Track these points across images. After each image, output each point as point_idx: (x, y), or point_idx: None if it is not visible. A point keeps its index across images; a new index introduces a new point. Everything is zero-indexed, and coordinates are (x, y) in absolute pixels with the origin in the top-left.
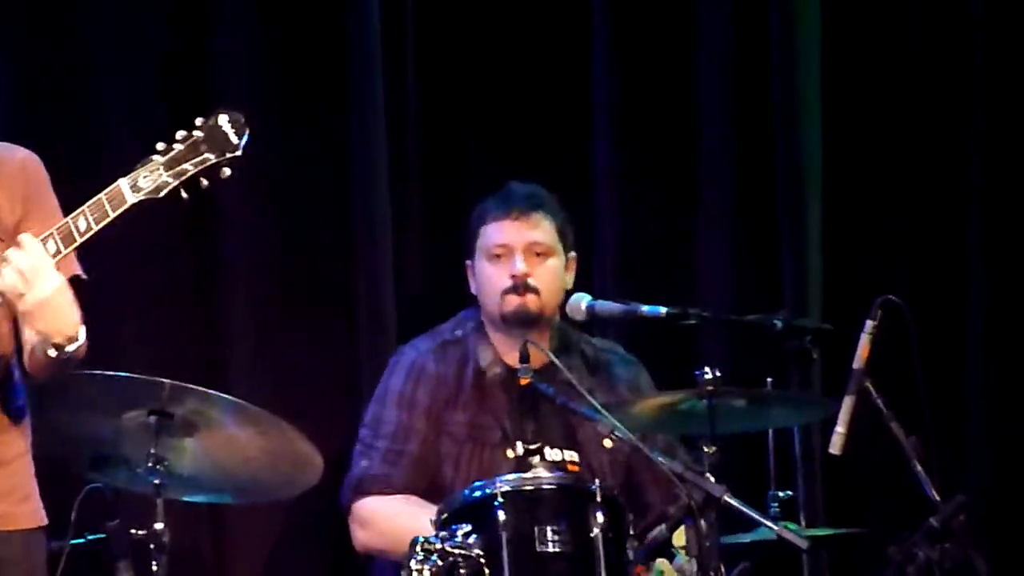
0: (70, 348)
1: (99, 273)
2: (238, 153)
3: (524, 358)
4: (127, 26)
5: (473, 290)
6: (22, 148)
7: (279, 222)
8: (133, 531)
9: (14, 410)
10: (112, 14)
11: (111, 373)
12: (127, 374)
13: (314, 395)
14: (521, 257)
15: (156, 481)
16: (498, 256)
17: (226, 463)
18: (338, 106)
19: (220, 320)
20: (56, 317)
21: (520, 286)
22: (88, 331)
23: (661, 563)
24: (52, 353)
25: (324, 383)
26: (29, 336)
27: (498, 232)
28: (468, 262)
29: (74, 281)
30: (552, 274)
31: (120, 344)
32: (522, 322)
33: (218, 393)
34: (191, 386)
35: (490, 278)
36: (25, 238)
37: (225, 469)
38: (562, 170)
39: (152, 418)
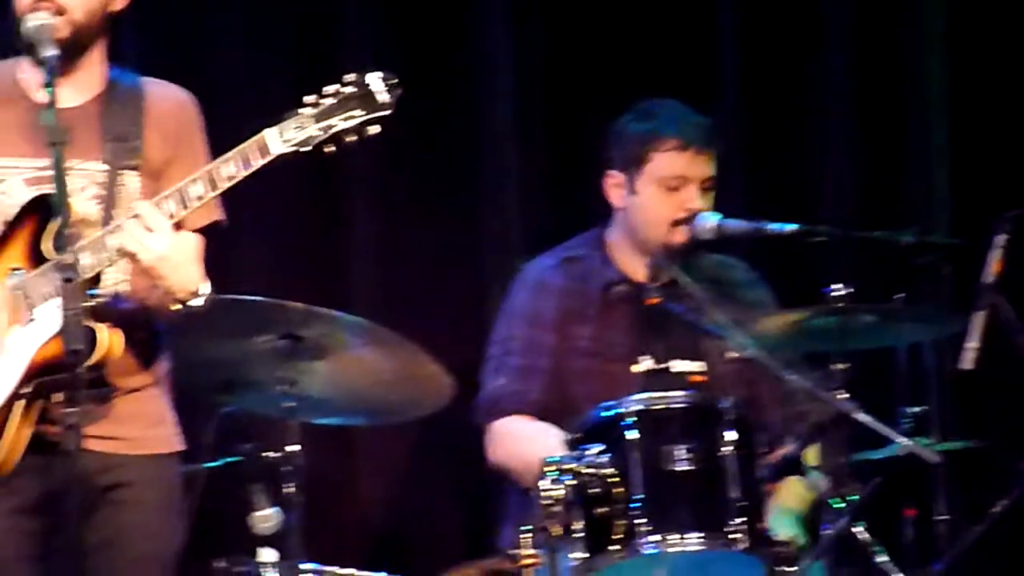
0: (193, 303)
1: (228, 199)
2: (387, 111)
3: (654, 277)
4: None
5: (617, 203)
6: (179, 88)
7: (403, 148)
8: (267, 454)
9: (143, 342)
10: None
11: (242, 297)
12: (258, 298)
13: (441, 315)
14: (696, 191)
15: (288, 404)
16: (673, 187)
17: (356, 385)
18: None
19: (347, 243)
20: (175, 275)
21: (691, 220)
22: (220, 257)
23: (792, 481)
24: (175, 307)
25: (450, 303)
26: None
27: (676, 163)
28: (614, 173)
29: (213, 227)
30: (711, 205)
31: (249, 269)
32: (684, 253)
33: (347, 315)
34: (320, 309)
35: (661, 207)
36: (139, 205)
37: (355, 391)
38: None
39: (283, 341)
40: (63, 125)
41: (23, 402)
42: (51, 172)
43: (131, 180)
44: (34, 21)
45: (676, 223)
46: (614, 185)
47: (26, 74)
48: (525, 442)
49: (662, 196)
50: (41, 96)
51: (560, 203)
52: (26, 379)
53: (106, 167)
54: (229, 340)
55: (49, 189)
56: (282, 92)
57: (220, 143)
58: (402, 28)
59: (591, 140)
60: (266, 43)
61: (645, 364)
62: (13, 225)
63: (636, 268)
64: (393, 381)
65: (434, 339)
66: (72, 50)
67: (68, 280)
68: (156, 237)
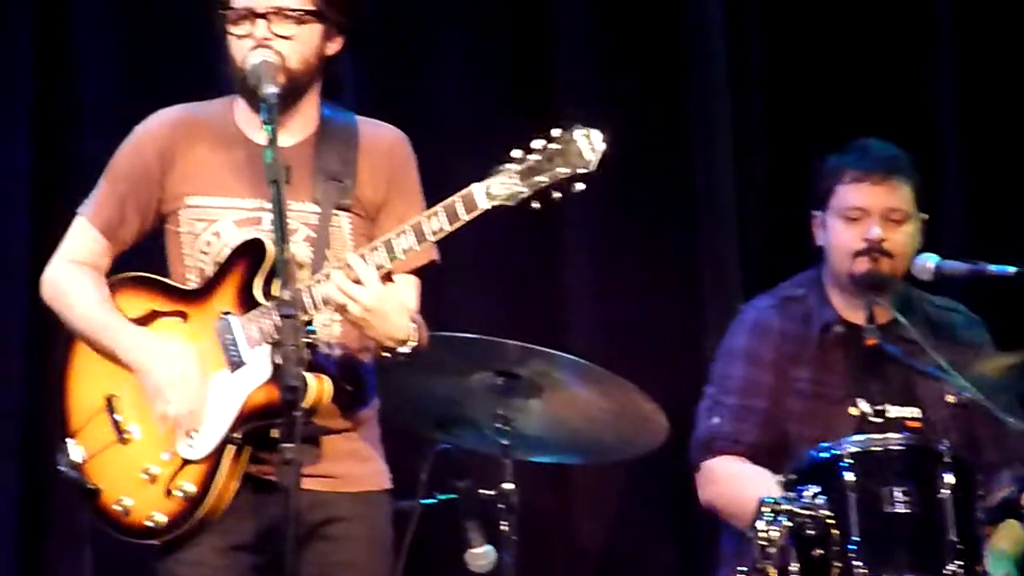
0: (402, 350)
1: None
2: (591, 168)
3: (871, 318)
4: (472, 21)
5: (819, 242)
6: (391, 127)
7: (621, 184)
8: (482, 491)
9: (353, 384)
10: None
11: (459, 335)
12: (474, 335)
13: (657, 354)
14: (878, 222)
15: (503, 441)
16: (853, 219)
17: (571, 423)
18: (680, 67)
19: (562, 280)
20: (383, 326)
21: (874, 250)
22: (436, 295)
23: (1010, 524)
24: (385, 355)
25: (666, 342)
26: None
27: (855, 194)
28: (816, 213)
29: (428, 267)
30: (906, 238)
31: (465, 306)
32: (870, 285)
33: (562, 354)
34: (536, 347)
35: (842, 238)
36: (348, 256)
37: (570, 429)
38: (904, 127)
39: (499, 379)
40: (282, 163)
41: (233, 447)
42: (261, 214)
43: (343, 221)
44: (255, 58)
45: (858, 254)
46: (816, 224)
47: (242, 115)
48: (739, 484)
49: (844, 228)
50: (258, 136)
51: (779, 240)
52: (237, 424)
53: (318, 208)
54: (446, 377)
55: (259, 231)
56: (497, 124)
57: (436, 174)
58: (618, 67)
59: (809, 179)
60: (482, 70)
61: (862, 407)
62: (225, 268)
63: (854, 309)
64: (608, 420)
65: (650, 377)
66: (287, 94)
67: (287, 316)
68: (364, 291)
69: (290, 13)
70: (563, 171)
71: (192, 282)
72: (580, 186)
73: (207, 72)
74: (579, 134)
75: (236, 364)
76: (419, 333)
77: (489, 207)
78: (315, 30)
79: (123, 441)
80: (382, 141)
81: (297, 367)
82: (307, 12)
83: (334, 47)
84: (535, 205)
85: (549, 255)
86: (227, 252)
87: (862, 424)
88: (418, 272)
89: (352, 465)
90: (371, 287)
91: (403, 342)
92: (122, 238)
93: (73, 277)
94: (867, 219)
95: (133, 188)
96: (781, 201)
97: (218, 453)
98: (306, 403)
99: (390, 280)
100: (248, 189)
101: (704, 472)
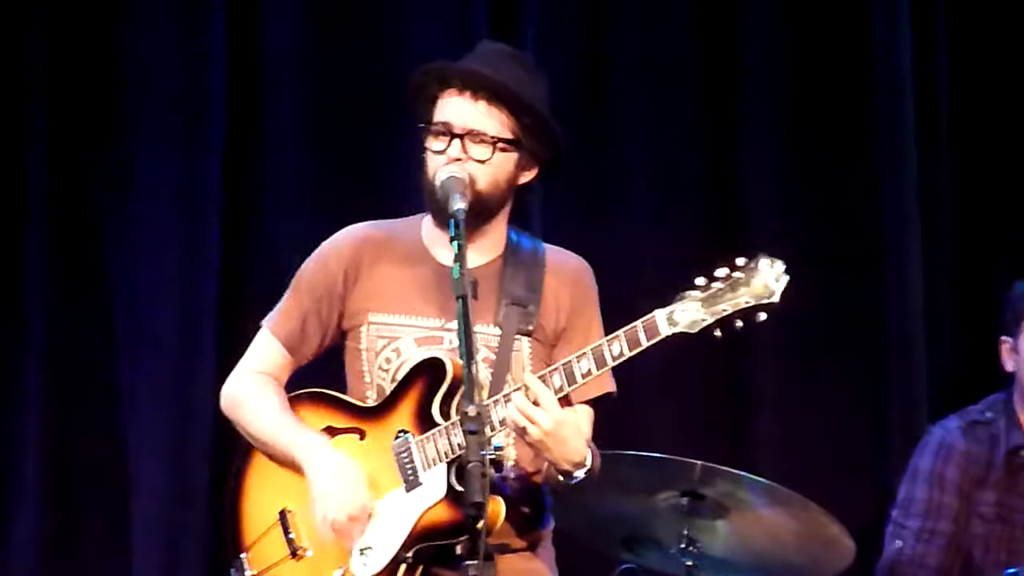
0: (578, 473)
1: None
2: (775, 300)
3: None
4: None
5: (1009, 368)
6: (577, 256)
7: (806, 295)
8: None
9: (529, 505)
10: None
11: (644, 454)
12: (659, 455)
13: (841, 474)
14: None
15: (689, 562)
16: None
17: (757, 545)
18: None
19: (748, 401)
20: (560, 449)
21: None
22: (618, 412)
23: None
24: (560, 478)
25: (852, 462)
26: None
27: None
28: (1005, 339)
29: (603, 398)
30: None
31: (650, 424)
32: None
33: (749, 475)
34: (722, 467)
35: None
36: (528, 378)
37: (756, 551)
38: None
39: (684, 499)
40: (469, 279)
41: (404, 566)
42: (443, 333)
43: (524, 346)
44: (445, 174)
45: None
46: (1006, 349)
47: (429, 234)
48: None
49: None
50: (443, 256)
51: (964, 362)
52: (409, 543)
53: (499, 331)
54: (632, 496)
55: (438, 350)
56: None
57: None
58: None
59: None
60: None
61: None
62: (403, 386)
63: None
64: (795, 542)
65: (835, 499)
66: (475, 214)
67: (472, 433)
68: (543, 413)
69: (486, 138)
70: (746, 301)
71: (370, 399)
72: (762, 316)
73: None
74: (763, 264)
75: (411, 483)
76: (593, 459)
77: (670, 334)
78: (510, 157)
79: (296, 557)
80: (568, 269)
81: (479, 482)
82: (503, 140)
83: (528, 176)
84: (716, 334)
85: (734, 377)
86: (406, 370)
87: None
88: (594, 403)
89: None
90: (551, 410)
91: (579, 465)
92: (304, 352)
93: (255, 386)
94: None
95: (316, 304)
96: (969, 327)
97: (391, 572)
98: (482, 528)
99: (568, 404)
100: (431, 308)
101: None
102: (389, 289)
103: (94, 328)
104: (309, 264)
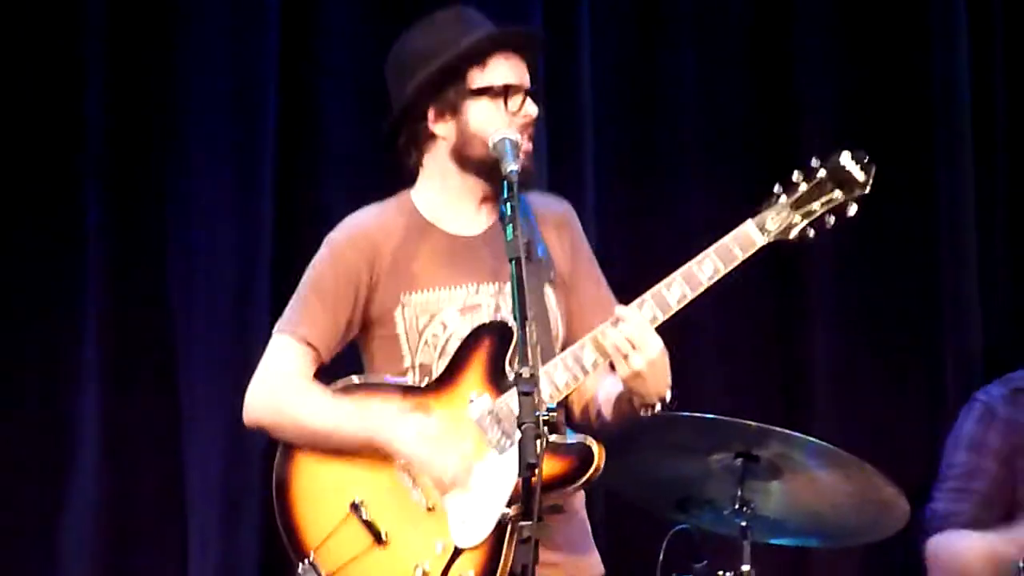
0: (658, 408)
1: (686, 315)
2: (866, 190)
3: None
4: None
5: None
6: (557, 198)
7: (865, 266)
8: (720, 573)
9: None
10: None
11: (699, 415)
12: (714, 416)
13: (898, 437)
14: None
15: (742, 523)
16: None
17: (811, 506)
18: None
19: (803, 360)
20: (656, 380)
21: None
22: (675, 374)
23: None
24: (642, 412)
25: (907, 425)
26: (621, 392)
27: None
28: None
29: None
30: None
31: (705, 385)
32: None
33: (803, 436)
34: (776, 428)
35: None
36: (622, 310)
37: (810, 512)
38: None
39: (739, 460)
40: (522, 240)
41: (509, 525)
42: (478, 298)
43: (549, 295)
44: (500, 135)
45: None
46: None
47: (427, 205)
48: (959, 552)
49: None
50: (447, 225)
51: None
52: (513, 503)
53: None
54: (686, 457)
55: (482, 317)
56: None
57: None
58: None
59: None
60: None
61: None
62: (461, 355)
63: None
64: (849, 504)
65: (891, 461)
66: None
67: (526, 394)
68: (652, 341)
69: (536, 98)
70: (837, 195)
71: (411, 382)
72: (852, 209)
73: None
74: (846, 157)
75: (503, 445)
76: (672, 391)
77: (765, 243)
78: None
79: (382, 543)
80: (554, 213)
81: (533, 443)
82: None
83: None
84: (810, 234)
85: (789, 338)
86: (455, 342)
87: None
88: None
89: (568, 553)
90: (653, 337)
91: (663, 399)
92: (334, 350)
93: (293, 384)
94: None
95: (342, 300)
96: None
97: (497, 535)
98: (590, 473)
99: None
100: (460, 276)
101: (926, 553)
102: (414, 267)
103: (150, 303)
104: (321, 264)
